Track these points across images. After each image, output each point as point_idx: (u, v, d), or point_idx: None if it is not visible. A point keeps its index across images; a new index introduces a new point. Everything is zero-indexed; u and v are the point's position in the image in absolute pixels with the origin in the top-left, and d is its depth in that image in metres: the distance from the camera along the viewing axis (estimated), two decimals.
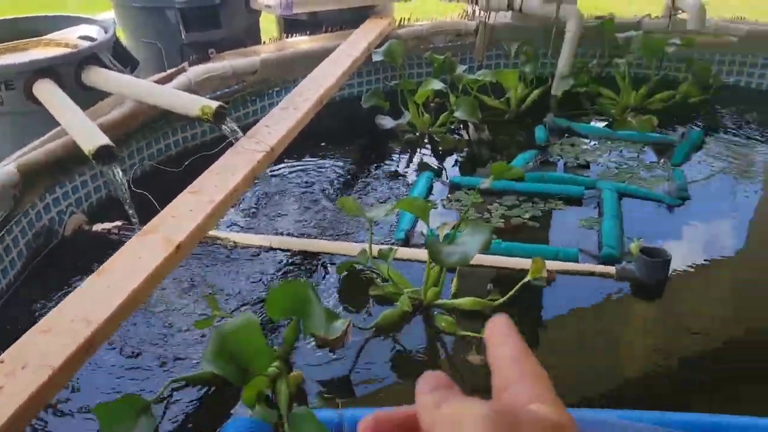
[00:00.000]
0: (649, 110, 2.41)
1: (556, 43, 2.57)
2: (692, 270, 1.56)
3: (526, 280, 1.37)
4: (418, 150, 2.21)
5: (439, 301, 1.40)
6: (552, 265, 1.49)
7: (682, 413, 0.99)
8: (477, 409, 0.29)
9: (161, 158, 2.02)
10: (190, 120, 2.05)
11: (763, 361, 1.33)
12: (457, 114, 2.03)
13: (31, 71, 1.79)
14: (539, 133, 2.25)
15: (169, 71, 2.13)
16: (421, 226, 1.70)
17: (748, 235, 1.73)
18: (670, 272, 1.49)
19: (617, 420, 0.95)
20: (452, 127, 2.33)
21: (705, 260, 1.60)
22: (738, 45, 2.63)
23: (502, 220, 1.75)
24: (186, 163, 1.90)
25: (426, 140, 2.26)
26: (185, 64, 2.20)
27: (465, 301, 1.39)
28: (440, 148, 2.20)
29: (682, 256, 1.59)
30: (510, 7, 2.58)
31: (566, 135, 2.27)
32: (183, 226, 1.24)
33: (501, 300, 1.37)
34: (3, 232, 1.45)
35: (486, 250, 1.15)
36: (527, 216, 1.76)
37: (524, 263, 1.52)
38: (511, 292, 1.37)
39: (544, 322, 1.40)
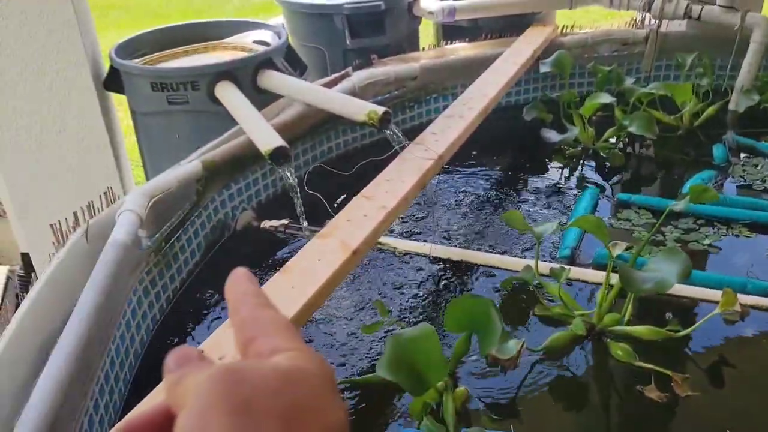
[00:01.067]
0: None
1: (738, 54, 2.36)
2: None
3: (715, 313, 1.25)
4: (582, 165, 2.11)
5: (614, 328, 1.32)
6: (740, 298, 1.36)
7: None
8: (204, 372, 0.27)
9: (324, 160, 2.08)
10: (351, 123, 2.09)
11: None
12: (631, 129, 1.91)
13: (214, 73, 1.90)
14: (718, 151, 2.07)
15: (333, 76, 2.19)
16: (586, 245, 1.62)
17: None
18: None
19: None
20: (616, 142, 2.20)
21: None
22: None
23: (678, 245, 1.62)
24: (356, 167, 1.93)
25: (591, 155, 2.15)
26: (349, 69, 2.25)
27: (643, 330, 1.30)
28: (606, 165, 2.09)
29: None
30: (687, 15, 2.41)
31: (748, 156, 2.08)
32: (358, 231, 1.25)
33: (685, 332, 1.27)
34: (187, 223, 1.55)
35: (685, 279, 1.06)
36: (707, 242, 1.62)
37: (708, 293, 1.40)
38: (696, 324, 1.26)
39: (733, 360, 1.27)
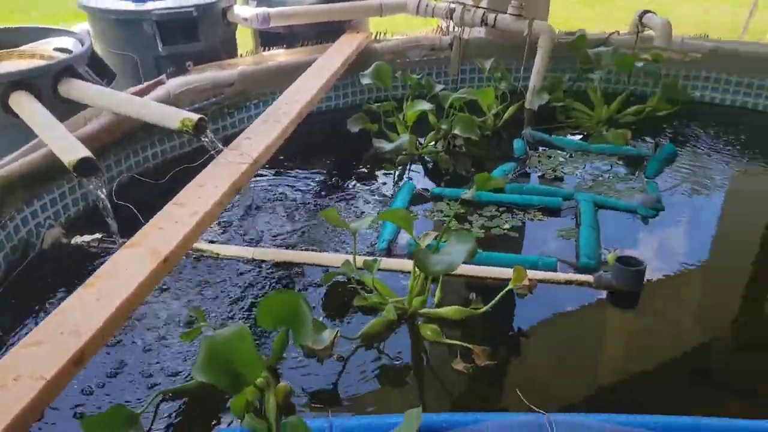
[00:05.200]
0: (621, 124, 2.47)
1: (529, 58, 2.62)
2: (666, 278, 1.61)
3: (508, 288, 1.40)
4: (409, 169, 2.20)
5: (424, 311, 1.42)
6: (532, 274, 1.52)
7: (654, 415, 1.02)
8: None
9: (140, 170, 2.01)
10: (168, 132, 2.04)
11: (727, 363, 1.39)
12: (456, 131, 2.06)
13: (6, 83, 1.76)
14: (517, 145, 2.29)
15: (146, 83, 2.13)
16: (402, 237, 1.72)
17: (718, 244, 1.78)
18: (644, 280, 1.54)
19: (593, 422, 0.98)
20: (435, 145, 2.32)
21: (678, 268, 1.65)
22: (702, 61, 2.72)
23: (483, 231, 1.78)
24: (169, 174, 1.88)
25: (416, 159, 2.24)
26: (163, 76, 2.19)
27: (449, 310, 1.41)
28: (430, 167, 2.19)
29: (657, 264, 1.64)
30: (484, 22, 2.63)
31: (543, 148, 2.32)
32: (169, 238, 1.24)
33: (484, 308, 1.39)
34: None
35: (471, 258, 1.17)
36: (507, 226, 1.79)
37: (505, 272, 1.55)
38: (493, 301, 1.39)
39: (526, 329, 1.42)
